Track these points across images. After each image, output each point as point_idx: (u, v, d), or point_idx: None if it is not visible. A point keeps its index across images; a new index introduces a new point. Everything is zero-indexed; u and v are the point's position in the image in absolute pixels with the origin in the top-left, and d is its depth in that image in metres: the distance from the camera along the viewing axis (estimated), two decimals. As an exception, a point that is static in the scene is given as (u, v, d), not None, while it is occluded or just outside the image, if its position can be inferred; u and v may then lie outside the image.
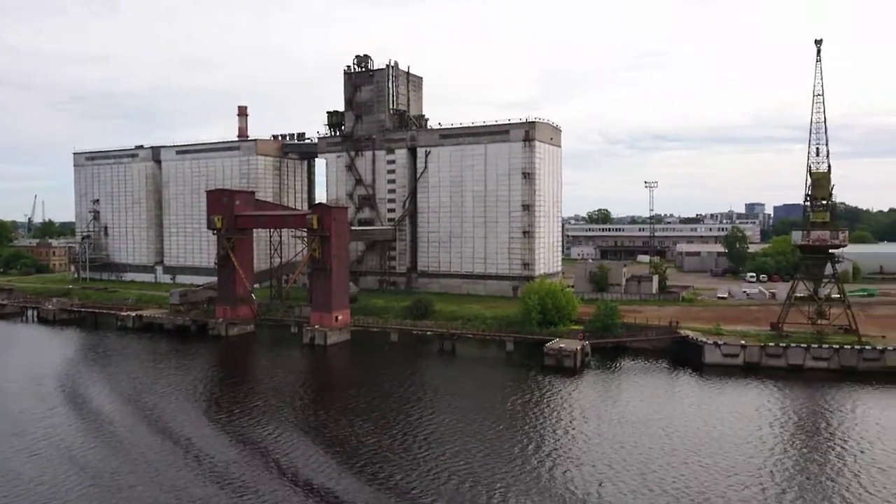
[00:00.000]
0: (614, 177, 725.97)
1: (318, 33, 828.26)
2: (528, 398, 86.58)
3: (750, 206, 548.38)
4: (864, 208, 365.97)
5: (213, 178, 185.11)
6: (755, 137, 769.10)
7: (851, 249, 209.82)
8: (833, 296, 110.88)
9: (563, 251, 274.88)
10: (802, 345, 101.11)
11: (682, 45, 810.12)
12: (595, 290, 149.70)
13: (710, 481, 56.27)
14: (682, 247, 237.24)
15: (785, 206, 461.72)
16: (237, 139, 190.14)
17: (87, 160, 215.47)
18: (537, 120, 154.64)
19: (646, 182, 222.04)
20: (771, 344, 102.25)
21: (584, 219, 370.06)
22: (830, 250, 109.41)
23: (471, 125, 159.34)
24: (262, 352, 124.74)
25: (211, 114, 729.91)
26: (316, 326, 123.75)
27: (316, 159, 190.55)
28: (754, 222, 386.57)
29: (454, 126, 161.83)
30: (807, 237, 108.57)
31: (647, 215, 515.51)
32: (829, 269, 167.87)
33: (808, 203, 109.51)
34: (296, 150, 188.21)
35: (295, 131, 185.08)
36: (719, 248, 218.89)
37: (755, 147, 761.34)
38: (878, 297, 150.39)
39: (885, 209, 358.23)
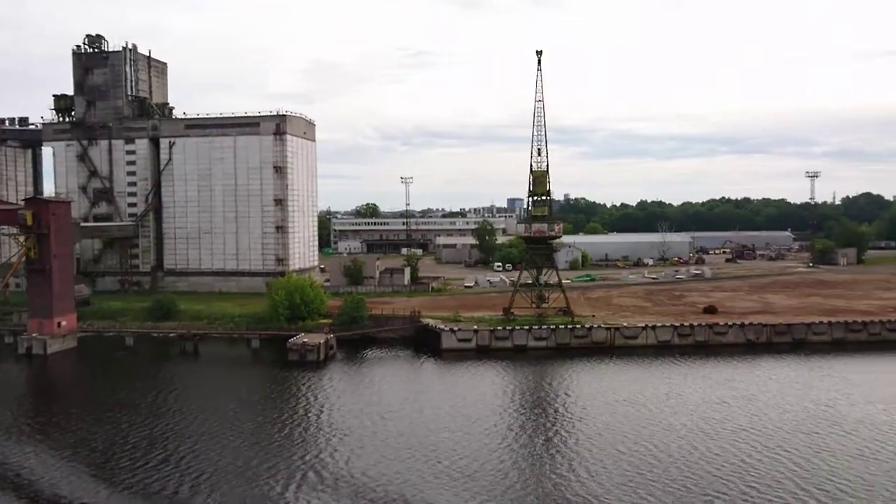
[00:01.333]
0: (391, 172, 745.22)
1: (67, 6, 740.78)
2: (265, 395, 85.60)
3: (511, 201, 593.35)
4: (601, 203, 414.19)
5: None
6: (520, 137, 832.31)
7: (583, 239, 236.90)
8: (551, 281, 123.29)
9: (331, 245, 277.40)
10: (525, 327, 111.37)
11: (451, 46, 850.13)
12: (350, 284, 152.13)
13: (422, 460, 59.66)
14: (441, 239, 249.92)
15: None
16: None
17: None
18: (289, 113, 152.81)
19: (402, 178, 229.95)
20: (499, 328, 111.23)
21: (353, 213, 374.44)
22: (549, 241, 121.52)
23: (219, 116, 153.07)
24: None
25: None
26: (34, 334, 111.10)
27: (43, 148, 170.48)
28: (512, 216, 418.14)
29: (201, 116, 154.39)
30: (528, 229, 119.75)
31: (419, 210, 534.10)
32: (567, 256, 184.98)
33: (530, 198, 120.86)
34: (16, 137, 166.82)
35: (26, 115, 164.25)
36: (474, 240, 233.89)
37: (520, 146, 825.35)
38: (598, 281, 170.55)
39: (618, 204, 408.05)
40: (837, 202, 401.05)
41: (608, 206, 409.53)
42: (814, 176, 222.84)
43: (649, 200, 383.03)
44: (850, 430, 64.49)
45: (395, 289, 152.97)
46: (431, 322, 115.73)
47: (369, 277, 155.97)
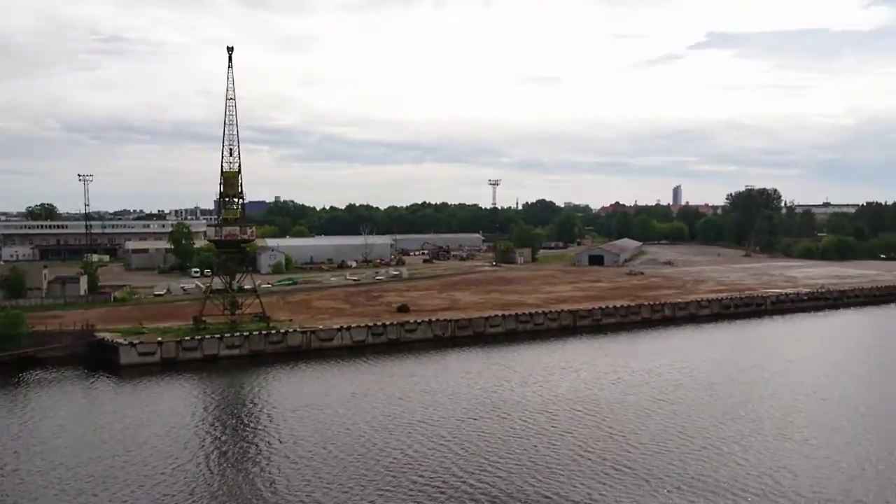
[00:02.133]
0: (78, 169, 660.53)
1: None
2: None
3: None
4: (311, 206, 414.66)
5: None
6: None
7: (288, 242, 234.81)
8: (247, 286, 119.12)
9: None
10: (217, 335, 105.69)
11: (143, 34, 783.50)
12: (9, 297, 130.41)
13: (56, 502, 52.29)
14: (132, 244, 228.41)
15: (251, 202, 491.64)
16: None
17: None
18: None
19: (79, 175, 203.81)
20: (187, 338, 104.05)
21: (24, 215, 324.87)
22: (242, 244, 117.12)
23: None
24: None
25: None
26: None
27: None
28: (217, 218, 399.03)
29: None
30: (219, 233, 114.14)
31: (113, 211, 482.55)
32: (270, 259, 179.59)
33: (221, 200, 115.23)
34: None
35: None
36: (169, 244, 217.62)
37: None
38: (300, 284, 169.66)
39: (328, 207, 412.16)
40: (519, 207, 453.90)
41: (318, 208, 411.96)
42: (495, 184, 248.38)
43: (357, 204, 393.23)
44: (507, 413, 71.74)
45: (68, 300, 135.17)
46: (108, 336, 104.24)
47: (35, 289, 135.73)
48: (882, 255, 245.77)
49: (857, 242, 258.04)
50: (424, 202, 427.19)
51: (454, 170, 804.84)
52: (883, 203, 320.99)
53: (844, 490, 52.06)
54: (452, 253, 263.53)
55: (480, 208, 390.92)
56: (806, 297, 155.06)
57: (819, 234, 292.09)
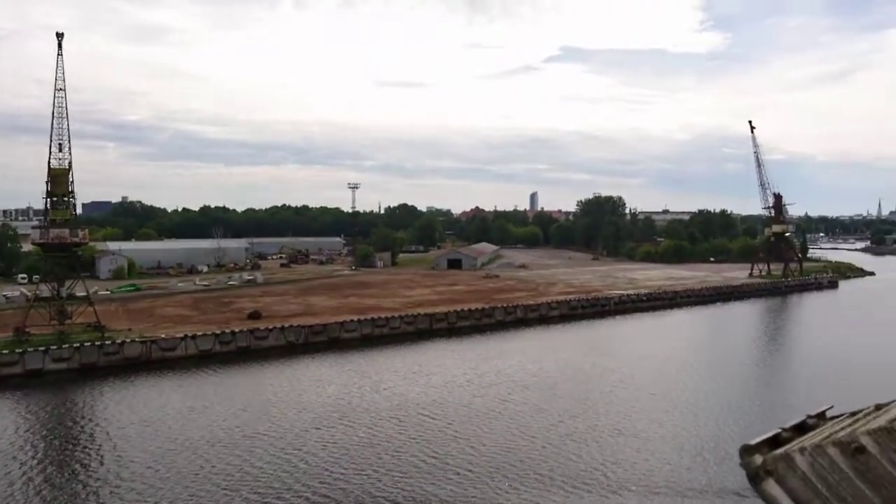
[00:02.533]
0: None
1: None
2: None
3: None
4: (161, 207, 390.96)
5: None
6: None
7: (133, 246, 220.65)
8: (79, 293, 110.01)
9: None
10: (42, 347, 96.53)
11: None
12: None
13: None
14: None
15: (95, 202, 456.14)
16: None
17: None
18: None
19: None
20: (6, 351, 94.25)
21: None
22: (73, 248, 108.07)
23: None
24: None
25: None
26: None
27: None
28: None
29: None
30: (45, 235, 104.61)
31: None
32: (110, 264, 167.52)
33: (49, 200, 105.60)
34: None
35: None
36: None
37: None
38: (144, 290, 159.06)
39: (180, 209, 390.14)
40: (382, 211, 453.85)
41: (170, 210, 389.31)
42: (355, 187, 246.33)
43: (213, 206, 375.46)
44: (354, 421, 70.38)
45: None
46: None
47: None
48: (712, 259, 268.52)
49: (691, 246, 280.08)
50: (284, 205, 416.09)
51: (316, 172, 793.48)
52: (712, 210, 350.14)
53: (666, 479, 55.53)
54: (312, 257, 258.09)
55: (342, 212, 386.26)
56: (645, 298, 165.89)
57: (659, 239, 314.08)
